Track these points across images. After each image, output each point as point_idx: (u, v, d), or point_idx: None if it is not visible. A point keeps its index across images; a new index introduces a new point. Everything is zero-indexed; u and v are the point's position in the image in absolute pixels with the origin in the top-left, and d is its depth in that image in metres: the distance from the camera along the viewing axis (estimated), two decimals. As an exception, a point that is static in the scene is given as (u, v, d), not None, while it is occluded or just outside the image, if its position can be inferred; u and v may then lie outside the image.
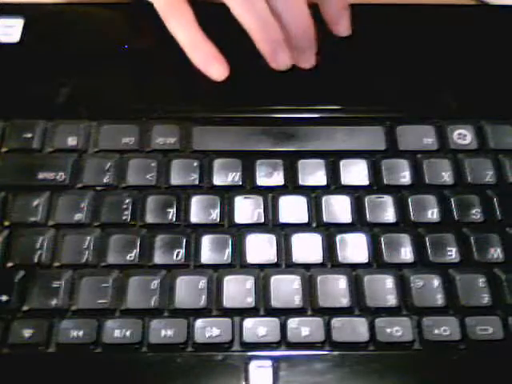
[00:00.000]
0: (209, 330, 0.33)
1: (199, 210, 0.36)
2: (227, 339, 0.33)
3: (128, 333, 0.33)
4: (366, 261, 0.35)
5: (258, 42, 0.37)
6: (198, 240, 0.35)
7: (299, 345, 0.33)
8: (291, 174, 0.37)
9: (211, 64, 0.37)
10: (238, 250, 0.35)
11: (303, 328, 0.33)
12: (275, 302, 0.33)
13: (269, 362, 0.32)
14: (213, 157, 0.37)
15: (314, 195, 0.36)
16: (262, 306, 0.33)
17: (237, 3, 0.36)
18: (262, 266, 0.34)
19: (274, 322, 0.33)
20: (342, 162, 0.37)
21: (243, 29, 0.37)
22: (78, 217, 0.35)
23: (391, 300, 0.34)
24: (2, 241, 0.35)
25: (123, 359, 0.33)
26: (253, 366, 0.32)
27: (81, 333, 0.32)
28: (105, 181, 0.36)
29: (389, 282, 0.34)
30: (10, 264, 0.34)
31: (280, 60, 0.38)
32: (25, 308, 0.33)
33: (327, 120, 0.39)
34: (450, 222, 0.36)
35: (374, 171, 0.37)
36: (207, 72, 0.38)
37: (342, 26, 0.40)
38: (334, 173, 0.37)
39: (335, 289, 0.34)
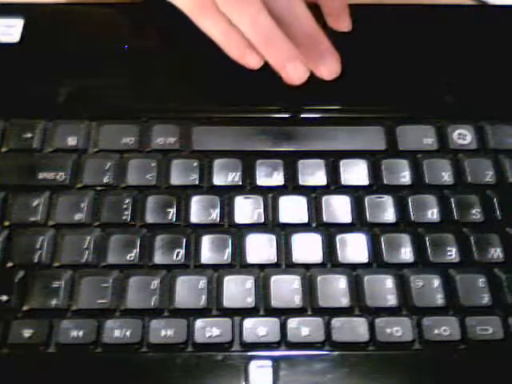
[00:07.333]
0: (209, 329, 0.33)
1: (199, 210, 0.36)
2: (227, 339, 0.33)
3: (128, 333, 0.33)
4: (366, 261, 0.35)
5: (266, 55, 0.36)
6: (198, 240, 0.35)
7: (299, 345, 0.33)
8: (291, 173, 0.37)
9: (248, 53, 0.37)
10: (238, 250, 0.35)
11: (303, 328, 0.33)
12: (275, 302, 0.33)
13: (269, 362, 0.32)
14: (213, 157, 0.37)
15: (314, 195, 0.36)
16: (262, 306, 0.33)
17: (241, 21, 0.36)
18: (262, 266, 0.34)
19: (274, 321, 0.33)
20: (342, 162, 0.37)
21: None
22: (78, 217, 0.35)
23: (391, 300, 0.34)
24: (2, 241, 0.35)
25: (123, 359, 0.33)
26: (253, 366, 0.32)
27: (81, 333, 0.32)
28: (105, 181, 0.36)
29: (389, 282, 0.34)
30: (9, 264, 0.34)
31: (291, 72, 0.36)
32: (25, 308, 0.33)
33: (327, 120, 0.39)
34: (450, 222, 0.36)
35: (374, 171, 0.37)
36: (244, 61, 0.37)
37: (344, 21, 0.40)
38: (334, 173, 0.37)
39: (335, 289, 0.34)
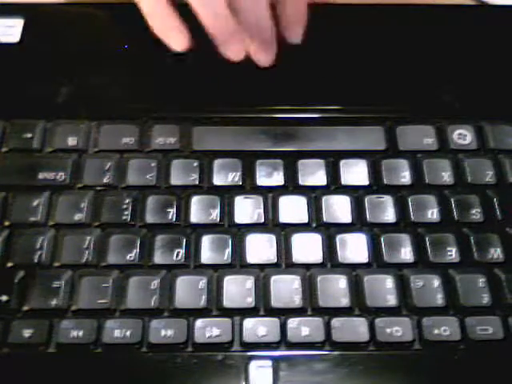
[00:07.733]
0: (209, 329, 0.33)
1: (199, 210, 0.36)
2: (227, 339, 0.33)
3: (128, 333, 0.33)
4: (366, 261, 0.35)
5: (209, 30, 0.36)
6: (198, 240, 0.35)
7: (299, 345, 0.33)
8: (291, 173, 0.37)
9: (170, 33, 0.37)
10: (238, 250, 0.35)
11: (303, 328, 0.33)
12: (275, 302, 0.33)
13: (269, 362, 0.32)
14: (213, 157, 0.37)
15: (314, 195, 0.36)
16: (262, 306, 0.33)
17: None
18: (262, 266, 0.34)
19: (274, 321, 0.33)
20: (342, 162, 0.37)
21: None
22: (78, 217, 0.35)
23: (391, 300, 0.34)
24: (2, 241, 0.35)
25: (123, 359, 0.33)
26: (253, 366, 0.32)
27: (81, 333, 0.32)
28: (105, 181, 0.36)
29: (389, 282, 0.34)
30: (9, 264, 0.34)
31: (233, 49, 0.37)
32: (25, 308, 0.33)
33: (327, 120, 0.39)
34: (450, 222, 0.36)
35: (374, 171, 0.37)
36: (167, 41, 0.37)
37: (295, 33, 0.38)
38: (334, 173, 0.37)
39: (335, 289, 0.34)
